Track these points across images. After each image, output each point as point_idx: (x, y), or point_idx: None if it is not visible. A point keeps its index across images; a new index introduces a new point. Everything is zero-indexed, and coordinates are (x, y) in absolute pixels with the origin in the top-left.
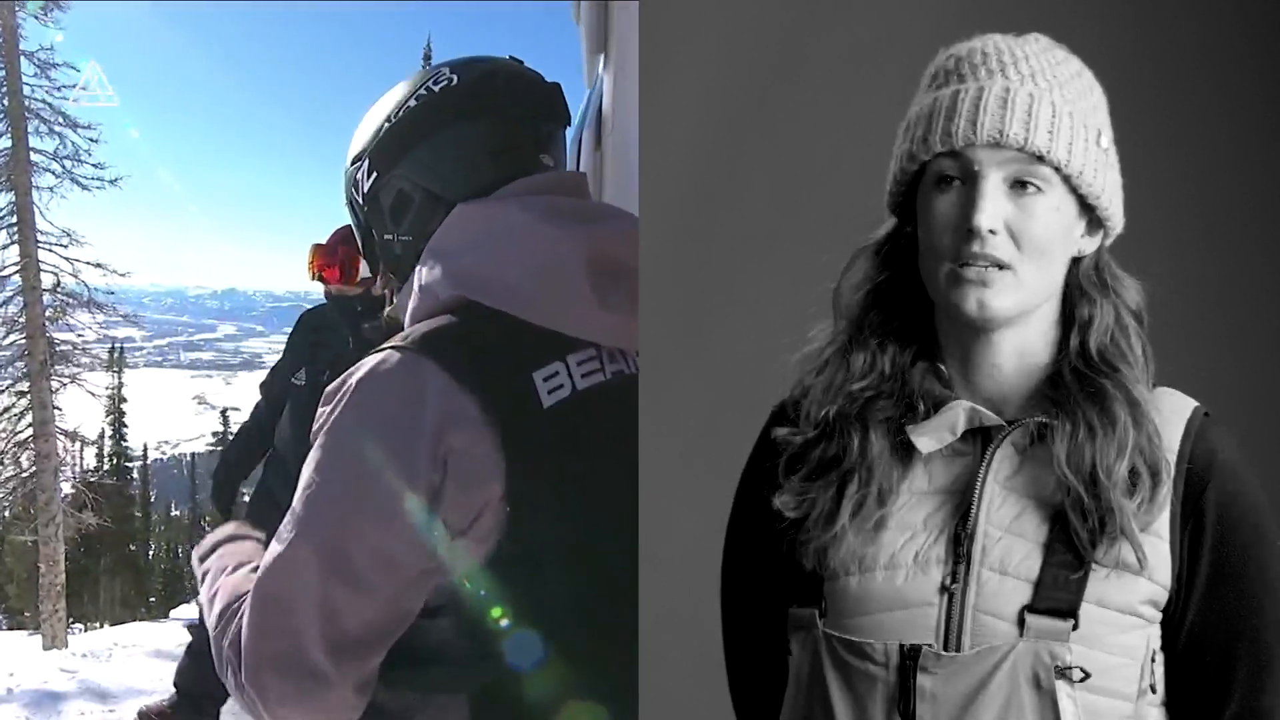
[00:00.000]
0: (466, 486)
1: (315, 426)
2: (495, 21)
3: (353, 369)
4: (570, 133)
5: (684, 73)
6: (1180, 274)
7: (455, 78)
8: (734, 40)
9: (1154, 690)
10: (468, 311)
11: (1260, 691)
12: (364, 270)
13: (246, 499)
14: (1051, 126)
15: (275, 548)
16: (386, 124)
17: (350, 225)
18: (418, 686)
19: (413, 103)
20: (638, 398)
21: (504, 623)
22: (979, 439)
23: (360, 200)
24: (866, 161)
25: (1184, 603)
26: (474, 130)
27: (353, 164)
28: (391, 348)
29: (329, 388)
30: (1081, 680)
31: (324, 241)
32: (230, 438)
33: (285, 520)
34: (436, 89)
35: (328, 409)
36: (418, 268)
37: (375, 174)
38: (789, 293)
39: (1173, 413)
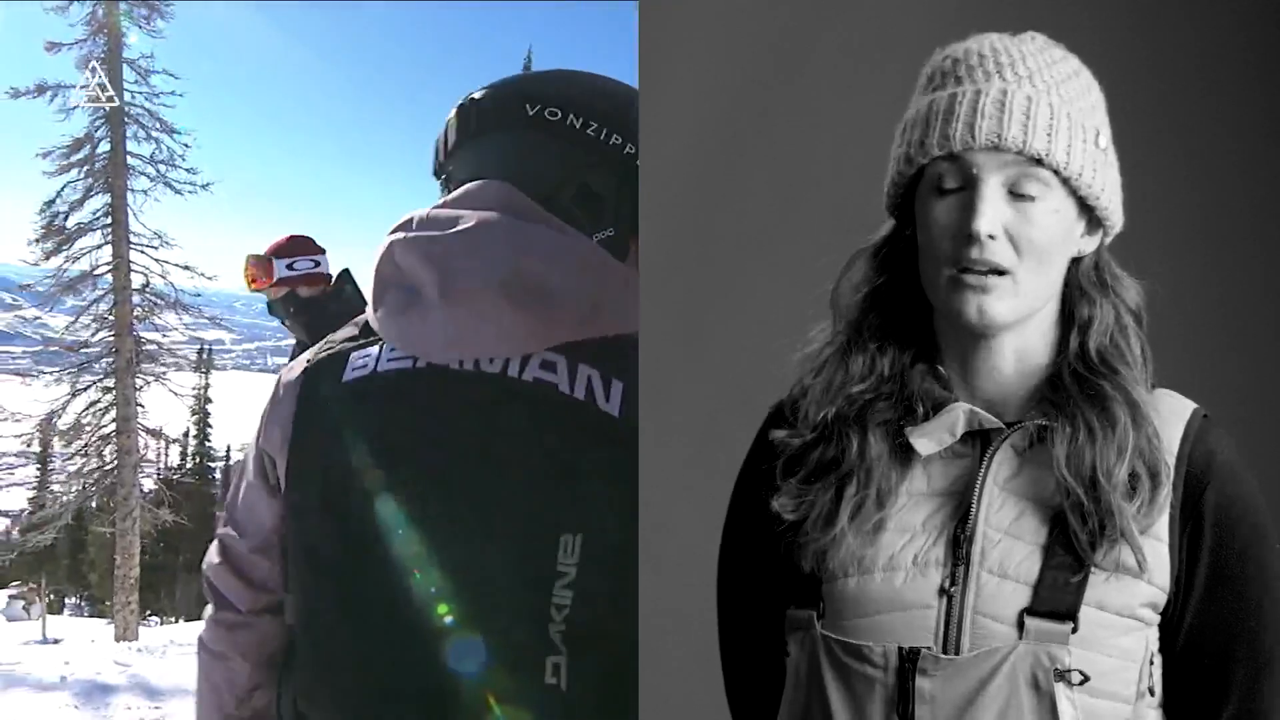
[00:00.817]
0: (272, 432)
1: None
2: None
3: None
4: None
5: (684, 73)
6: (1180, 274)
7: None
8: (734, 40)
9: (1152, 693)
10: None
11: (1258, 693)
12: (280, 271)
13: None
14: (1050, 128)
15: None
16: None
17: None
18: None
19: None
20: (450, 389)
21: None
22: (978, 441)
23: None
24: (866, 162)
25: (1182, 605)
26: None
27: None
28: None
29: None
30: (1081, 683)
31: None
32: None
33: None
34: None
35: None
36: None
37: None
38: (789, 293)
39: (1171, 415)
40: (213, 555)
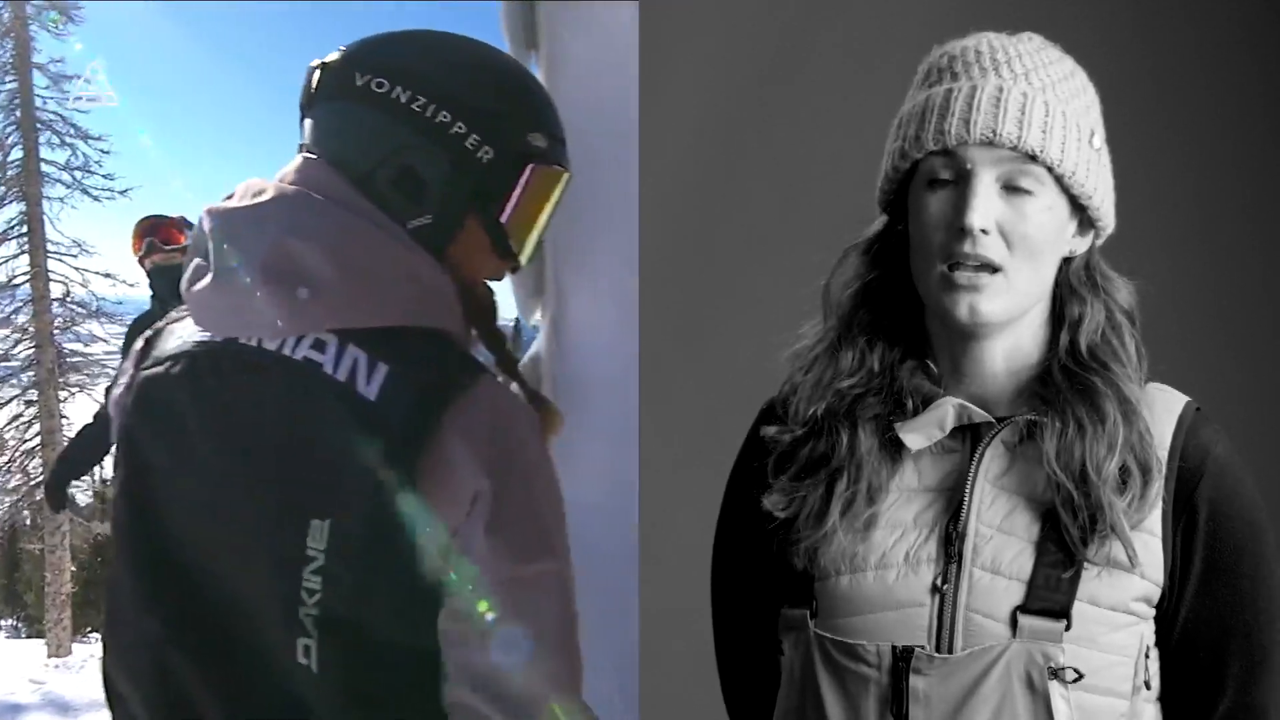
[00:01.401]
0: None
1: None
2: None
3: None
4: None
5: (684, 73)
6: (1174, 272)
7: None
8: (734, 40)
9: (1148, 686)
10: None
11: (1253, 686)
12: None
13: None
14: (1044, 126)
15: None
16: None
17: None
18: None
19: None
20: (234, 366)
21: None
22: (968, 436)
23: None
24: (866, 161)
25: (1177, 598)
26: None
27: None
28: None
29: None
30: (1075, 680)
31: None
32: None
33: None
34: None
35: None
36: None
37: None
38: (788, 292)
39: (1165, 409)
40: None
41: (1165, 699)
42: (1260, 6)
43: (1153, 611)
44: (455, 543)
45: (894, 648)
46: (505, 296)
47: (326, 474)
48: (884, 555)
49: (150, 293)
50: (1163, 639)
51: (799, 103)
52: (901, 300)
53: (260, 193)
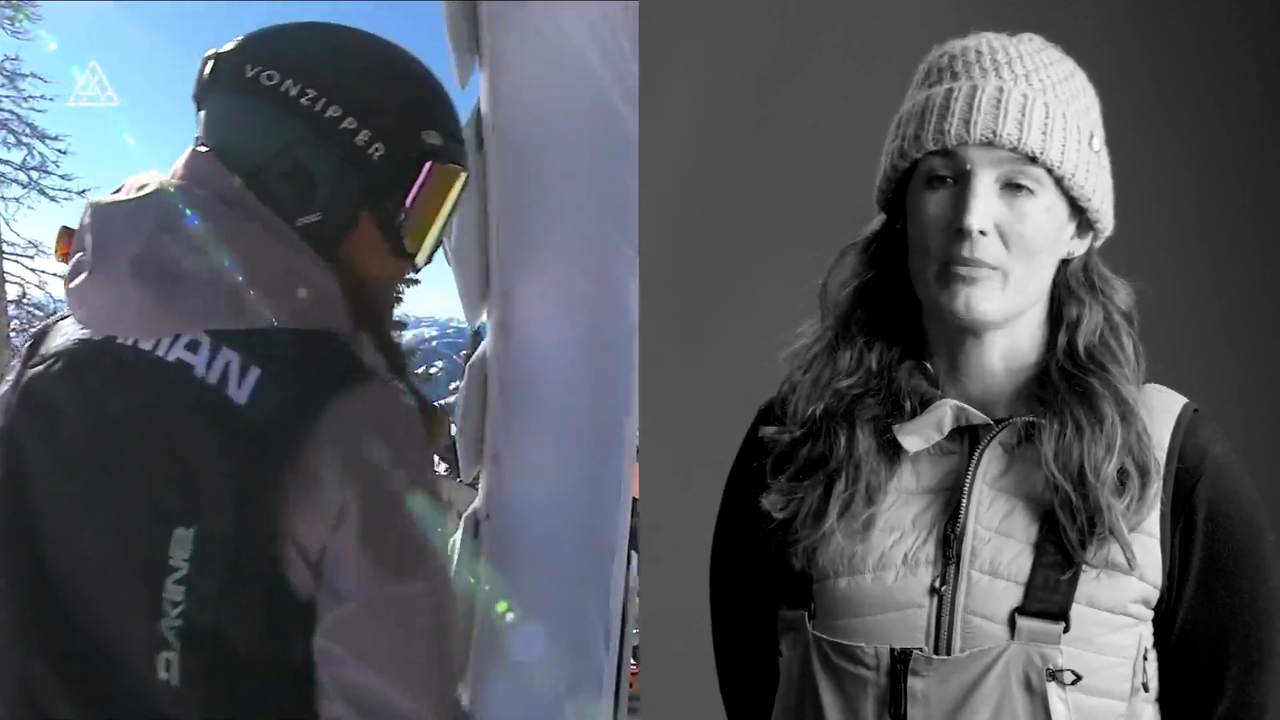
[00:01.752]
0: None
1: None
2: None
3: None
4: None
5: (684, 73)
6: (1173, 273)
7: None
8: (734, 40)
9: (1147, 688)
10: None
11: (1252, 687)
12: None
13: None
14: (1045, 127)
15: None
16: None
17: None
18: None
19: None
20: (111, 368)
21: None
22: (966, 438)
23: None
24: (865, 161)
25: (1176, 599)
26: None
27: None
28: None
29: None
30: (1073, 682)
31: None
32: None
33: None
34: None
35: None
36: None
37: None
38: (788, 292)
39: (1162, 409)
40: None
41: (1164, 700)
42: (1260, 6)
43: (1151, 613)
44: (325, 559)
45: (892, 650)
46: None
47: (191, 480)
48: (882, 557)
49: None
50: (1161, 640)
51: (799, 102)
52: (899, 300)
53: (143, 187)
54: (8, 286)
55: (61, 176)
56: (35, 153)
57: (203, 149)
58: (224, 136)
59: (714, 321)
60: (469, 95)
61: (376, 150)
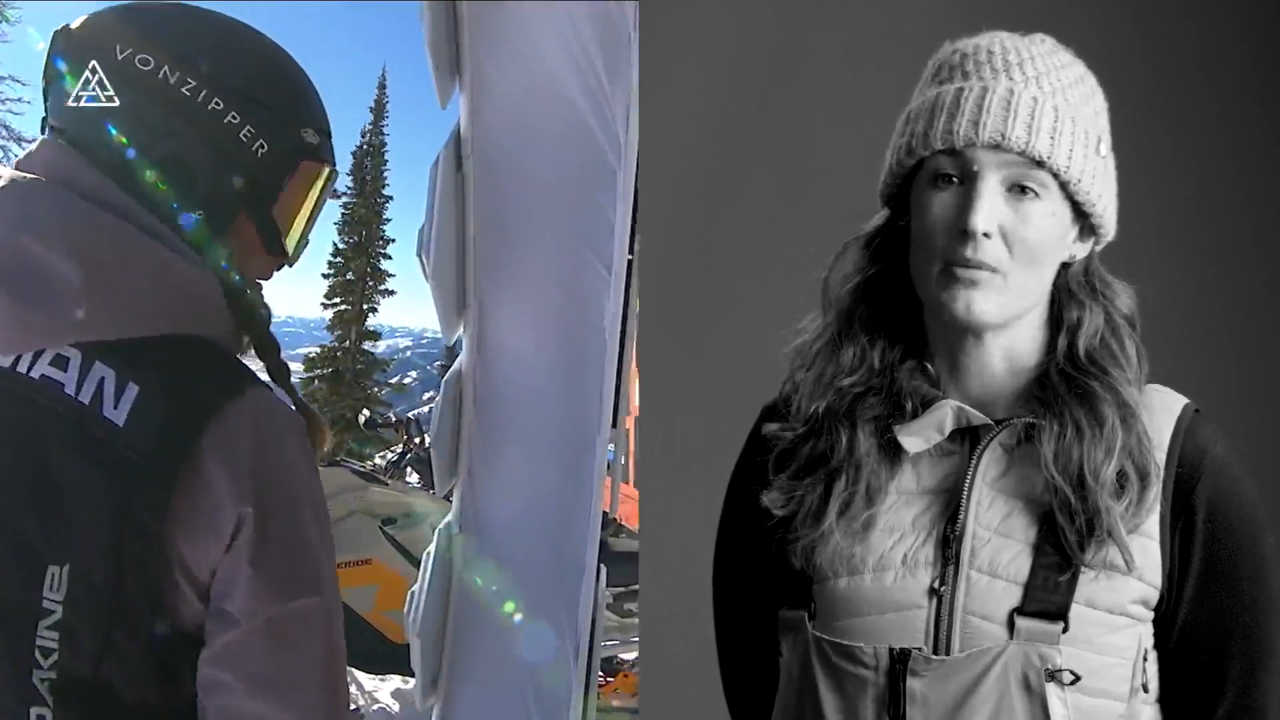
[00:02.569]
0: None
1: None
2: None
3: None
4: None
5: (684, 73)
6: (1174, 275)
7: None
8: (734, 40)
9: (1146, 689)
10: None
11: (1253, 688)
12: None
13: None
14: (1053, 132)
15: None
16: None
17: None
18: None
19: None
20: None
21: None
22: (967, 439)
23: None
24: (865, 160)
25: (1176, 600)
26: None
27: None
28: None
29: None
30: (1072, 683)
31: None
32: None
33: None
34: None
35: None
36: None
37: None
38: (788, 292)
39: (1163, 410)
40: None
41: (1165, 701)
42: (1260, 6)
43: (1151, 614)
44: (215, 582)
45: (891, 650)
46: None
47: (63, 513)
48: (882, 558)
49: None
50: (1162, 641)
51: (798, 103)
52: (901, 297)
53: None
54: None
55: None
56: (11, 155)
57: (58, 140)
58: (85, 125)
59: (714, 321)
60: (449, 115)
61: (261, 147)
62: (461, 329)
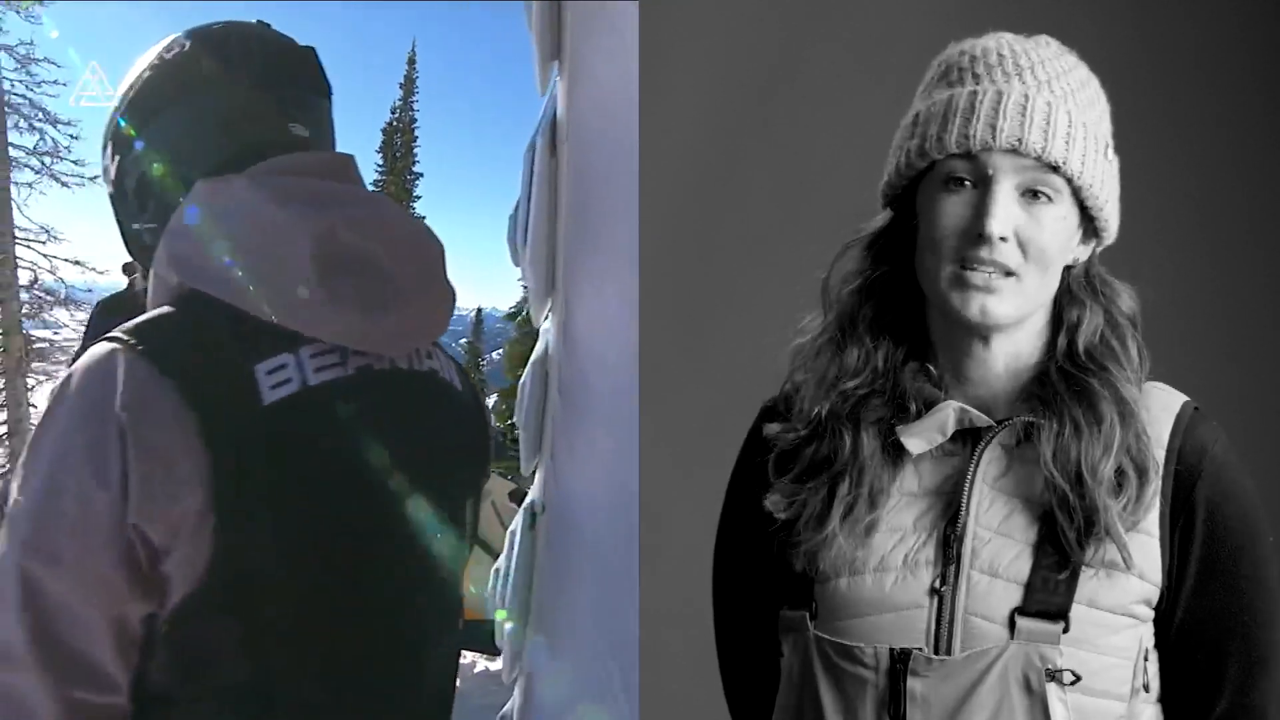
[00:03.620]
0: (162, 493)
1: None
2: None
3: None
4: (528, 139)
5: (684, 73)
6: (1174, 275)
7: (189, 44)
8: (734, 41)
9: (1147, 689)
10: (192, 300)
11: (1251, 688)
12: None
13: None
14: (1068, 136)
15: None
16: (123, 101)
17: None
18: None
19: (147, 73)
20: (388, 392)
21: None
22: (968, 439)
23: (110, 189)
24: (866, 161)
25: (1175, 599)
26: (206, 100)
27: (101, 150)
28: (104, 339)
29: (58, 382)
30: (1072, 683)
31: None
32: None
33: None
34: (169, 57)
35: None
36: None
37: (117, 157)
38: (788, 292)
39: (1162, 409)
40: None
41: (1164, 700)
42: (1260, 6)
43: (1152, 613)
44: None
45: (892, 650)
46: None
47: (471, 469)
48: (883, 559)
49: (126, 275)
50: (1161, 639)
51: (799, 103)
52: (904, 298)
53: (343, 193)
54: (20, 271)
55: (74, 162)
56: (47, 138)
57: (330, 151)
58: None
59: (714, 321)
60: (477, 92)
61: None
62: (548, 312)
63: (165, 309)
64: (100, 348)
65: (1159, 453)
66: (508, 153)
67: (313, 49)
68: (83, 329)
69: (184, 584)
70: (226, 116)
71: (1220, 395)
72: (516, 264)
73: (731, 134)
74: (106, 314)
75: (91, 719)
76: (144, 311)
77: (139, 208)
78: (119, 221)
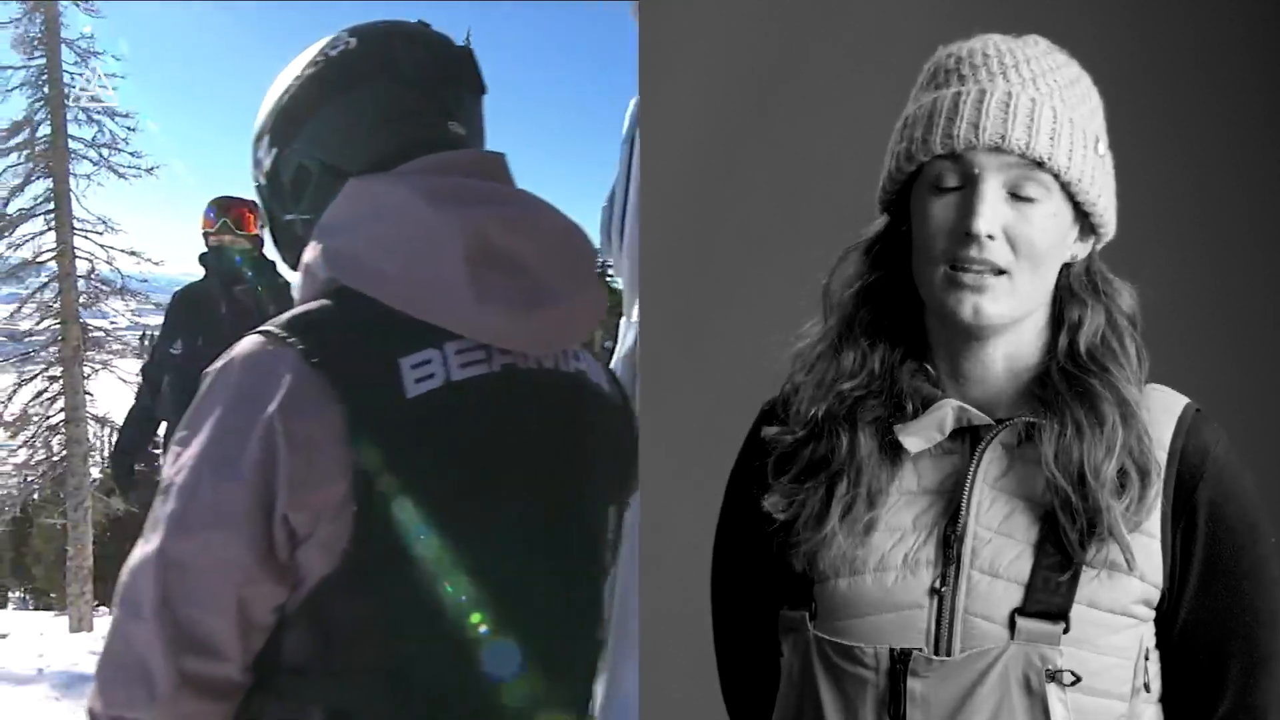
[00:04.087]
0: (309, 481)
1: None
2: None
3: (219, 357)
4: (621, 135)
5: (684, 73)
6: (1174, 275)
7: (353, 41)
8: (734, 41)
9: (1148, 689)
10: (341, 295)
11: (1253, 689)
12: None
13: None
14: (1053, 132)
15: (136, 548)
16: (285, 95)
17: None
18: (270, 693)
19: (311, 69)
20: (533, 391)
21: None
22: (968, 438)
23: (262, 180)
24: (866, 161)
25: (1177, 600)
26: (369, 96)
27: (253, 144)
28: (257, 332)
29: (206, 371)
30: (1073, 683)
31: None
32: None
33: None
34: (334, 54)
35: (193, 401)
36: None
37: (275, 149)
38: (788, 293)
39: (1163, 410)
40: (148, 634)
41: (1165, 701)
42: (1260, 6)
43: (1153, 614)
44: None
45: (892, 650)
46: None
47: (614, 468)
48: (883, 558)
49: (204, 267)
50: (1163, 640)
51: (799, 103)
52: (902, 301)
53: (495, 192)
54: (77, 262)
55: (131, 153)
56: (105, 130)
57: (477, 148)
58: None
59: (714, 321)
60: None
61: None
62: (636, 309)
63: (315, 303)
64: (254, 340)
65: (1160, 454)
66: (575, 147)
67: (470, 49)
68: (136, 318)
69: (320, 567)
70: (389, 113)
71: (1220, 395)
72: (608, 255)
73: (731, 134)
74: (186, 304)
75: (202, 688)
76: (219, 301)
77: (294, 200)
78: (269, 212)
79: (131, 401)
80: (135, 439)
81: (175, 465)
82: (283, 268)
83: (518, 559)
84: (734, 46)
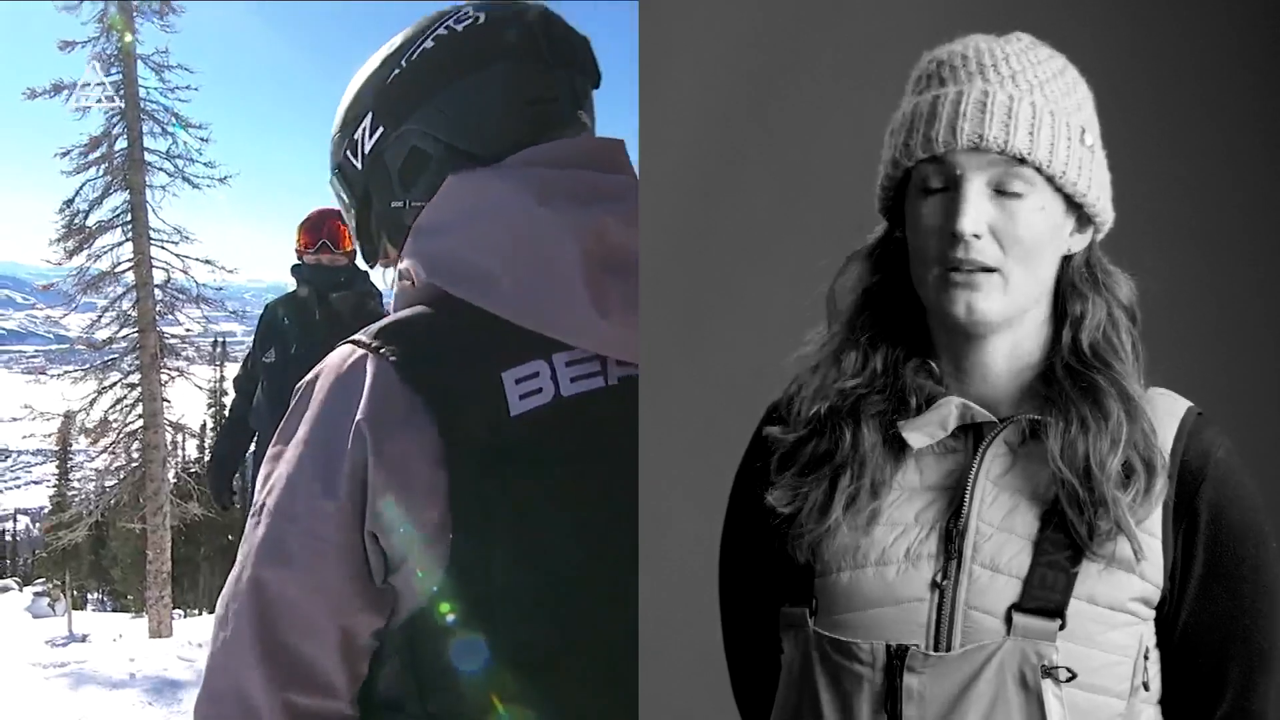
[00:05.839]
0: (403, 504)
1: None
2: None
3: (317, 366)
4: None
5: (684, 73)
6: (1173, 271)
7: (481, 16)
8: (734, 40)
9: (1147, 688)
10: (441, 302)
11: (1252, 692)
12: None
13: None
14: (1031, 128)
15: (231, 575)
16: (396, 71)
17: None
18: None
19: (430, 44)
20: (622, 406)
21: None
22: (970, 435)
23: (358, 164)
24: (866, 163)
25: (1177, 601)
26: (507, 75)
27: (344, 126)
28: (349, 342)
29: (298, 384)
30: (1068, 680)
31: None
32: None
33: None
34: (459, 28)
35: (286, 413)
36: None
37: (382, 129)
38: (788, 293)
39: (1166, 413)
40: (246, 657)
41: (1165, 702)
42: (1260, 7)
43: (1152, 613)
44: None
45: (888, 646)
46: None
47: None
48: (884, 552)
49: (299, 280)
50: (1163, 641)
51: (799, 104)
52: (904, 305)
53: (601, 186)
54: (154, 271)
55: (205, 164)
56: (180, 141)
57: (595, 135)
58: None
59: (714, 323)
60: None
61: None
62: None
63: (412, 310)
64: (345, 350)
65: (1164, 457)
66: None
67: (589, 39)
68: (211, 325)
69: (416, 597)
70: (528, 94)
71: (1220, 395)
72: None
73: (731, 134)
74: (279, 315)
75: None
76: (314, 311)
77: (402, 185)
78: (361, 199)
79: (225, 413)
80: (230, 450)
81: (266, 486)
82: (374, 275)
83: (626, 593)
84: (734, 46)
